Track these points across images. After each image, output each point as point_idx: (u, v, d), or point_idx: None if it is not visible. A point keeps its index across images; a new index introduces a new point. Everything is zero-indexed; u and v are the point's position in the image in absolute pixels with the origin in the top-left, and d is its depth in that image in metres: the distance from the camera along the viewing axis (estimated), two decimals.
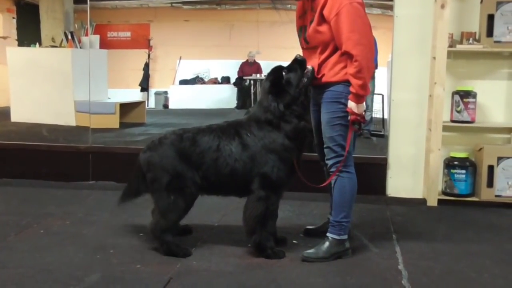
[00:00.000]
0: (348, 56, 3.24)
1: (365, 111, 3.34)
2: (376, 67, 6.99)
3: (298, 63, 3.45)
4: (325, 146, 3.45)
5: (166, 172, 3.44)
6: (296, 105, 3.42)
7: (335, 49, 3.32)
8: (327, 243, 3.43)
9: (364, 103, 3.31)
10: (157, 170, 3.47)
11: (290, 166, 3.44)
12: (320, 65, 3.39)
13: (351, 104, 3.27)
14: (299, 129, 3.41)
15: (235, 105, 12.37)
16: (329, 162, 3.44)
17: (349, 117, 3.32)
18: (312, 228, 3.92)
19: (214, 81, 13.45)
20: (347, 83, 3.28)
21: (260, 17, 12.53)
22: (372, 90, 7.38)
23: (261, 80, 12.39)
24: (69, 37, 8.19)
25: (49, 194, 5.05)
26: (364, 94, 3.25)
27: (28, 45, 8.63)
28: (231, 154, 3.42)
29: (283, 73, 3.44)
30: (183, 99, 12.70)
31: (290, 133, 3.40)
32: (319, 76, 3.40)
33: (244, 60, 12.79)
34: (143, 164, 3.54)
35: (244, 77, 12.47)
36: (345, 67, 3.30)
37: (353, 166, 3.47)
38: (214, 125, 3.58)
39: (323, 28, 3.30)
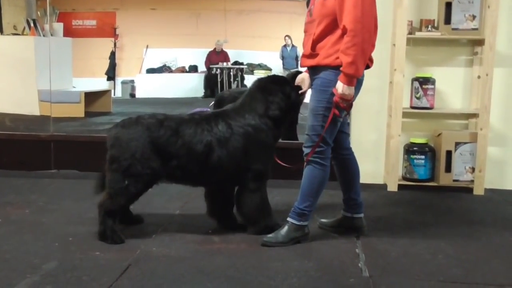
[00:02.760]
0: (345, 32, 3.13)
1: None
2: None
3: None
4: (305, 133, 3.42)
5: (131, 155, 3.35)
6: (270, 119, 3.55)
7: (334, 25, 3.21)
8: (286, 228, 3.46)
9: (353, 88, 3.19)
10: (122, 150, 3.37)
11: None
12: (315, 40, 3.30)
13: (338, 84, 3.18)
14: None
15: (202, 94, 12.34)
16: (305, 150, 3.42)
17: (333, 98, 3.23)
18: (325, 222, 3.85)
19: (182, 70, 13.38)
20: (339, 70, 3.19)
21: (227, 6, 12.46)
22: None
23: (228, 68, 12.39)
24: (32, 25, 8.04)
25: (9, 183, 4.96)
26: (353, 74, 3.12)
27: None
28: (222, 148, 3.44)
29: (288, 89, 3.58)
30: (150, 88, 12.61)
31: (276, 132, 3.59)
32: (314, 52, 3.31)
33: (211, 49, 12.74)
34: (109, 138, 3.43)
35: (211, 66, 12.41)
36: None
37: (330, 159, 3.46)
38: (197, 116, 3.55)
39: (329, 1, 3.21)
